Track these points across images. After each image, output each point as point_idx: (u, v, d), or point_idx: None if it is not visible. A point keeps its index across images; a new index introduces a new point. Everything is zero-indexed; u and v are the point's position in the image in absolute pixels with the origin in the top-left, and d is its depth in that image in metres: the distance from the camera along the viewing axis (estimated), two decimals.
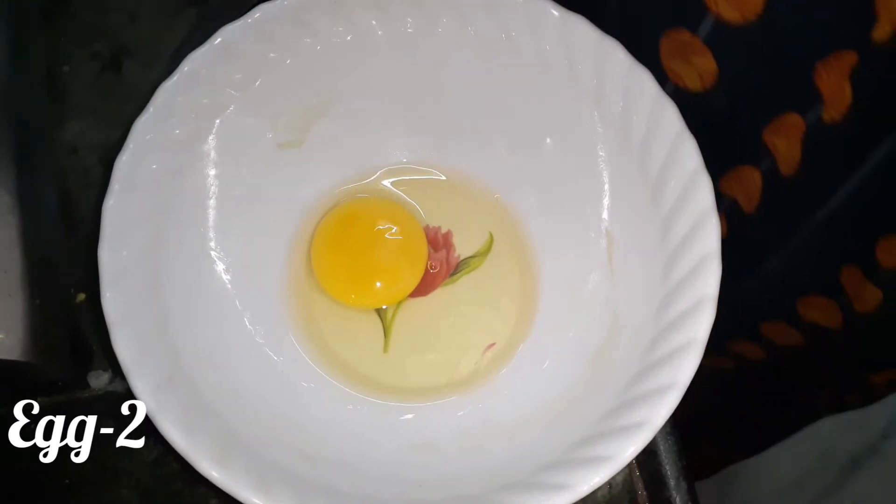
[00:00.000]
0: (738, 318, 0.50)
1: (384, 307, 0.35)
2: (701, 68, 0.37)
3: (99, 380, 0.35)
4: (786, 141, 0.38)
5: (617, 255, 0.33)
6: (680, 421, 0.34)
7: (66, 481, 0.34)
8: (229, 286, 0.33)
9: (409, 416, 0.33)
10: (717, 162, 0.41)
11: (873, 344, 0.46)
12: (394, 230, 0.35)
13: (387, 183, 0.37)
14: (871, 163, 0.36)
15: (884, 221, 0.39)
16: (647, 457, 0.34)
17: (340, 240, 0.35)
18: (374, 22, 0.33)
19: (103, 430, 0.35)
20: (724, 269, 0.30)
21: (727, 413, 0.60)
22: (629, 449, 0.27)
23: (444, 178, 0.36)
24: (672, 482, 0.34)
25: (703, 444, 0.61)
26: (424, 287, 0.35)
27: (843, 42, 0.33)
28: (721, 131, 0.38)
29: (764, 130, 0.39)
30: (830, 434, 0.55)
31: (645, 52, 0.33)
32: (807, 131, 0.37)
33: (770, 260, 0.46)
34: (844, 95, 0.34)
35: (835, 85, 0.34)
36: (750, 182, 0.42)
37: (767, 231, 0.44)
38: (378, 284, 0.35)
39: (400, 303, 0.35)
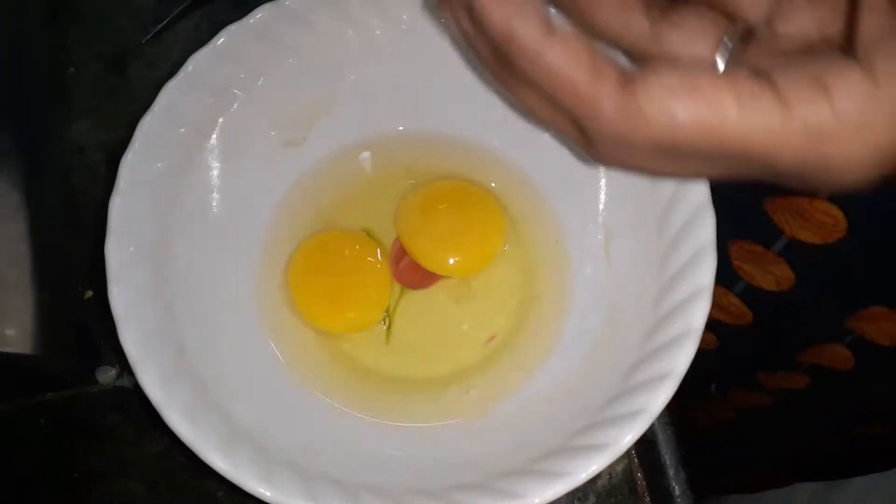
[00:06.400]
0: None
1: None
2: (778, 275, 0.40)
3: (107, 375, 0.36)
4: (874, 325, 0.40)
5: (614, 248, 0.34)
6: (679, 412, 0.35)
7: (75, 474, 0.35)
8: (233, 281, 0.34)
9: (412, 407, 0.33)
10: (797, 339, 0.44)
11: None
12: (358, 258, 0.35)
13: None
14: None
15: None
16: (647, 446, 0.34)
17: (314, 274, 0.35)
18: (373, 21, 0.33)
19: (111, 424, 0.35)
20: None
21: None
22: (627, 437, 0.27)
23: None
24: (671, 471, 0.34)
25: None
26: (426, 280, 0.35)
27: None
28: (799, 320, 0.41)
29: (847, 319, 0.40)
30: None
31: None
32: None
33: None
34: None
35: None
36: (834, 354, 0.44)
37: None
38: (350, 315, 0.35)
39: (402, 295, 0.35)
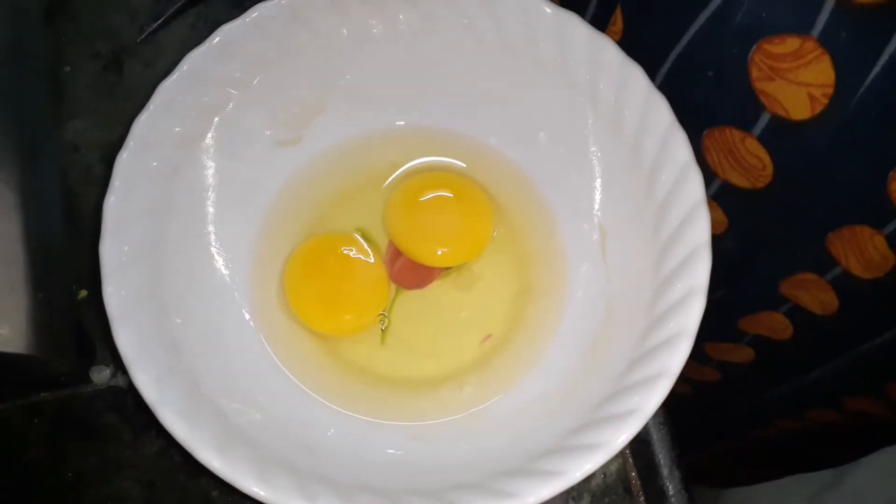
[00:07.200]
0: None
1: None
2: (711, 217, 0.39)
3: (101, 375, 0.36)
4: (807, 293, 0.39)
5: (610, 248, 0.34)
6: (674, 412, 0.35)
7: (70, 474, 0.35)
8: (228, 280, 0.34)
9: (407, 406, 0.33)
10: (737, 305, 0.43)
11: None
12: (355, 261, 0.35)
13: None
14: None
15: None
16: (641, 446, 0.34)
17: (310, 277, 0.35)
18: (370, 20, 0.33)
19: (106, 424, 0.35)
20: None
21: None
22: (621, 436, 0.27)
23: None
24: (665, 471, 0.34)
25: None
26: (422, 279, 0.35)
27: (855, 218, 0.34)
28: (736, 277, 0.40)
29: (781, 284, 0.40)
30: None
31: None
32: (832, 283, 0.38)
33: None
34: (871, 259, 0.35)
35: (850, 253, 0.36)
36: (774, 322, 0.43)
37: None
38: (348, 318, 0.35)
39: (397, 295, 0.35)
